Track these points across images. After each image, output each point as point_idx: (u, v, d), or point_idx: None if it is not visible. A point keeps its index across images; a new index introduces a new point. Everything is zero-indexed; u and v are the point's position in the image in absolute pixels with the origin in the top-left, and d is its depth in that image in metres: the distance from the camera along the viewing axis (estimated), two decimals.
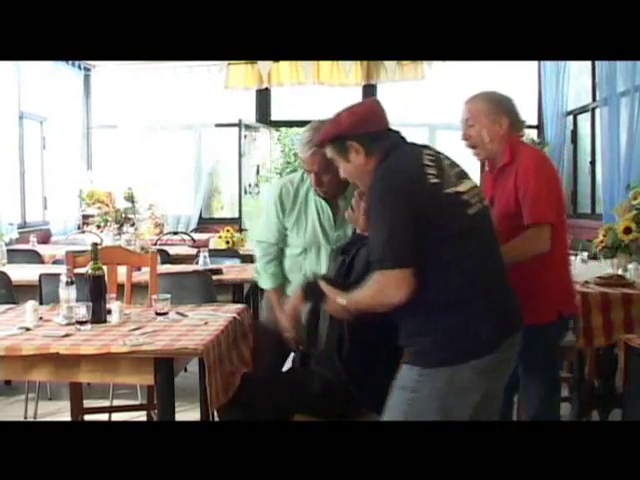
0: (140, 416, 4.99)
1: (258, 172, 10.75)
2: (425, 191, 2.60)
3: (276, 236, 3.92)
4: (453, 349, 2.61)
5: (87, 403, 4.70)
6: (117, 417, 4.93)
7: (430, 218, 2.57)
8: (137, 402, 5.14)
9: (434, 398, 2.60)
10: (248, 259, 6.90)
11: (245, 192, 10.16)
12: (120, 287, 4.55)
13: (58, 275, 3.81)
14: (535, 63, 10.01)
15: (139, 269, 5.22)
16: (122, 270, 4.67)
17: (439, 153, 2.77)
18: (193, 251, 7.06)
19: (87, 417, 4.59)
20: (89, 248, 3.79)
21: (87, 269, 3.69)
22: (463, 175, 2.75)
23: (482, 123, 3.49)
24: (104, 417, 4.85)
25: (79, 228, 10.13)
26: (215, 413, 3.51)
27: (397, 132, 2.85)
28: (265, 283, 4.00)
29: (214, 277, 5.39)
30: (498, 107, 3.49)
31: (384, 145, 2.75)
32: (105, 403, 5.14)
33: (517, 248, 3.29)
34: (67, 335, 3.34)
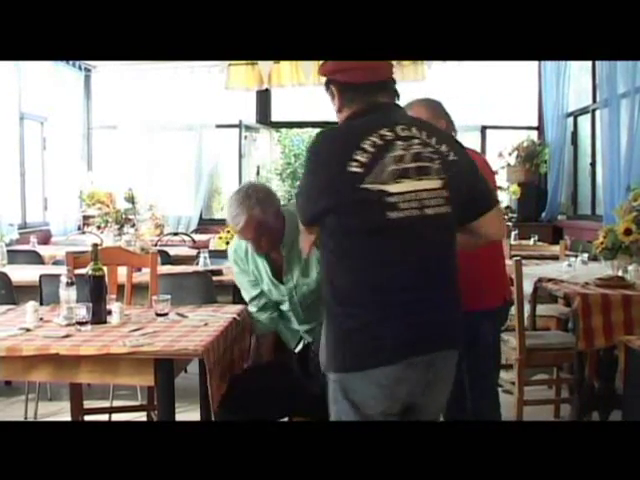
0: (140, 417, 4.99)
1: (258, 173, 10.77)
2: (337, 177, 2.42)
3: (252, 288, 4.04)
4: (341, 353, 2.49)
5: (87, 404, 4.71)
6: (117, 418, 4.93)
7: (334, 205, 2.43)
8: (137, 403, 5.15)
9: (345, 408, 2.51)
10: None
11: None
12: (120, 288, 4.56)
13: (58, 276, 3.81)
14: (535, 64, 10.01)
15: (139, 270, 5.22)
16: (122, 271, 4.67)
17: (412, 137, 2.50)
18: (193, 252, 7.06)
19: (87, 418, 4.60)
20: (89, 249, 3.80)
21: (87, 270, 3.69)
22: (413, 174, 2.44)
23: None
24: (104, 418, 4.85)
25: (79, 229, 10.14)
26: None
27: (388, 102, 2.66)
28: (262, 329, 4.08)
29: (214, 278, 5.38)
30: (436, 111, 3.66)
31: (357, 103, 2.62)
32: (105, 404, 5.14)
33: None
34: (67, 336, 3.35)
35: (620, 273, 4.86)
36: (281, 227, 3.78)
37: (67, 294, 3.67)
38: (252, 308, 4.06)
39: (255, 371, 3.99)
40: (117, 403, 5.21)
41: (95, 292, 3.64)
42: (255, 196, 3.69)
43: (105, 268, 3.79)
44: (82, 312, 3.49)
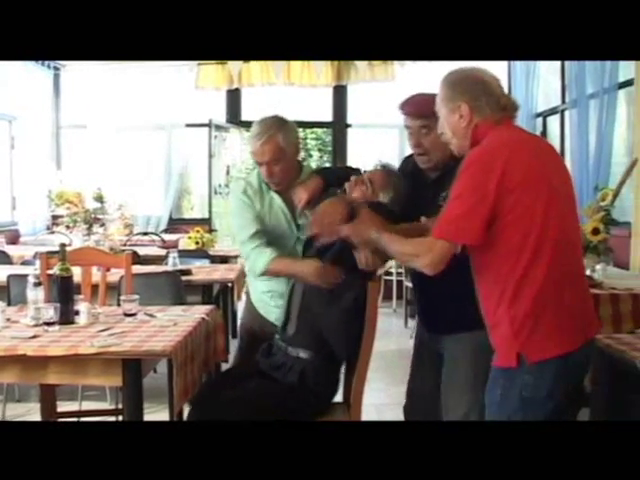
0: (110, 418, 4.96)
1: (228, 172, 10.73)
2: None
3: (253, 223, 3.71)
4: None
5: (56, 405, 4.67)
6: (87, 418, 4.90)
7: None
8: (106, 404, 5.14)
9: None
10: (217, 260, 6.92)
11: (215, 192, 10.13)
12: (93, 288, 4.55)
13: (27, 276, 3.78)
14: (505, 64, 10.05)
15: (108, 270, 5.20)
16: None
17: None
18: (163, 252, 7.04)
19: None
20: (59, 249, 3.77)
21: (55, 270, 3.66)
22: None
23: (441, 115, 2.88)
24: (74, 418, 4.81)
25: (48, 228, 10.06)
26: (183, 411, 3.49)
27: None
28: (268, 256, 3.57)
29: (183, 278, 5.38)
30: (454, 91, 2.83)
31: None
32: (74, 405, 5.10)
33: (404, 245, 2.73)
34: (35, 336, 3.32)
35: (588, 272, 4.89)
36: (296, 167, 3.84)
37: (35, 294, 3.64)
38: (252, 244, 3.64)
39: (231, 377, 3.66)
40: (86, 404, 5.17)
41: (63, 292, 3.61)
42: (281, 125, 3.78)
43: (80, 268, 3.77)
44: (50, 312, 3.46)
